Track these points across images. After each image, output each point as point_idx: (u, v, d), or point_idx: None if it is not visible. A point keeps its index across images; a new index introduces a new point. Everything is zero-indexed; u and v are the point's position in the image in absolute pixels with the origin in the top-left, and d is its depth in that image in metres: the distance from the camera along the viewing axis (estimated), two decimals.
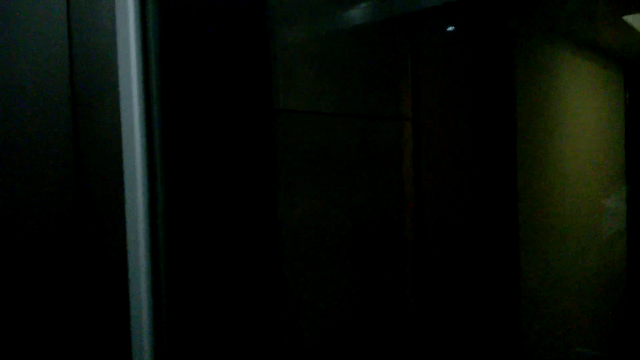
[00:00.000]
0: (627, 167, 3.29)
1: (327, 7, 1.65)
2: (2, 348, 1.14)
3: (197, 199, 0.99)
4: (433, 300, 2.02)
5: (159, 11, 0.83)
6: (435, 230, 1.99)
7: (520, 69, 2.03)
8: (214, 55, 1.08)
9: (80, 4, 0.93)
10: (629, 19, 2.77)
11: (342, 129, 1.69)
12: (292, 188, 1.47)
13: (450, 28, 2.03)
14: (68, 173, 1.00)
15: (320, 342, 1.54)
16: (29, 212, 1.11)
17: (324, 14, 1.63)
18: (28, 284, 1.14)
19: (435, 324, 2.02)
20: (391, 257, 1.89)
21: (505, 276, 2.04)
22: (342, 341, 1.64)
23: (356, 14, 1.77)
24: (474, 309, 2.05)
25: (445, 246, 2.03)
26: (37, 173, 1.08)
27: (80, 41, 0.94)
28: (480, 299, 2.05)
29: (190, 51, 0.96)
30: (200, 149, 1.00)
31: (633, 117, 3.51)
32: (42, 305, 1.13)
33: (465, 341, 2.03)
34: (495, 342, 2.05)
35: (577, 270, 2.57)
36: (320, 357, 1.54)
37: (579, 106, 2.75)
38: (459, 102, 2.06)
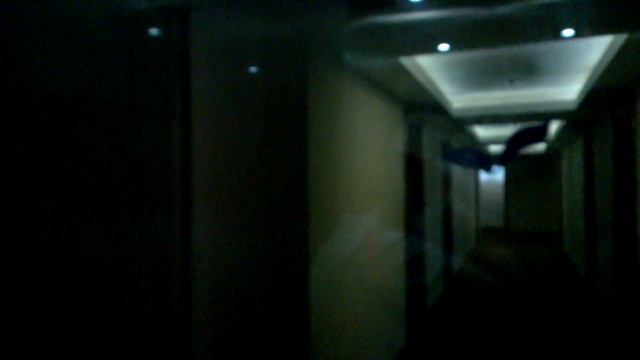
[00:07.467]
0: (407, 189, 3.66)
1: None
2: None
3: None
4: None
5: None
6: (207, 233, 1.84)
7: (311, 95, 2.05)
8: None
9: None
10: (404, 61, 3.09)
11: (88, 118, 1.46)
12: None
13: (232, 22, 1.98)
14: None
15: None
16: None
17: None
18: None
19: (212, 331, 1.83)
20: (155, 266, 1.68)
21: (294, 283, 1.98)
22: None
23: None
24: (258, 313, 1.95)
25: (214, 250, 1.90)
26: None
27: None
28: (265, 305, 1.96)
29: None
30: None
31: (411, 153, 3.94)
32: None
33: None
34: (282, 345, 1.96)
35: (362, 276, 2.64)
36: None
37: (363, 132, 2.93)
38: (243, 103, 2.00)
